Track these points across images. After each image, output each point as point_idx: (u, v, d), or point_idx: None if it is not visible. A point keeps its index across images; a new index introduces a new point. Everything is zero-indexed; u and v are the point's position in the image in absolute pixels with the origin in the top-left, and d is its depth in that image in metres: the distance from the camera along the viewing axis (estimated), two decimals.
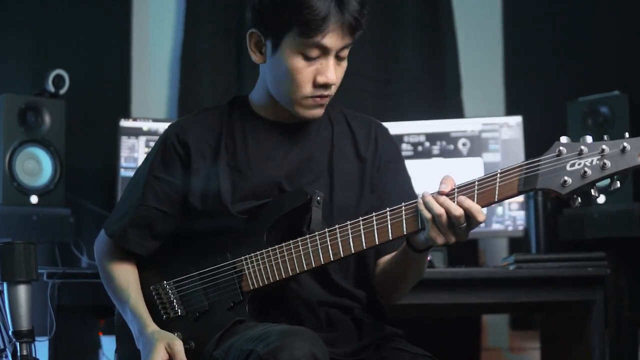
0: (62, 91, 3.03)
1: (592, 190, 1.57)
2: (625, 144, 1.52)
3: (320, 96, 1.83)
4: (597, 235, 2.91)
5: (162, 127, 3.10)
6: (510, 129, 3.04)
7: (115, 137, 3.08)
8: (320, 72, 1.80)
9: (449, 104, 3.50)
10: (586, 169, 1.54)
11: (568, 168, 1.55)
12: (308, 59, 1.80)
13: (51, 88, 3.01)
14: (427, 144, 3.06)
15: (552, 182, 1.57)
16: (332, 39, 1.78)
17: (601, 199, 2.91)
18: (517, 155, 2.98)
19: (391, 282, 1.93)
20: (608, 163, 1.53)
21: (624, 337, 2.98)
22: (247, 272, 1.82)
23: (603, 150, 1.53)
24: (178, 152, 1.92)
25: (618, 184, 1.55)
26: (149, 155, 1.99)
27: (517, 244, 3.23)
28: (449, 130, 3.07)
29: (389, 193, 1.83)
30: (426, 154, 3.05)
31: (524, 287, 2.61)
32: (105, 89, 3.44)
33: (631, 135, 1.54)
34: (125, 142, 3.08)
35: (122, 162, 3.07)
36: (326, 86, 1.82)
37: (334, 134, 1.95)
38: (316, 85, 1.82)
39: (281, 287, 1.83)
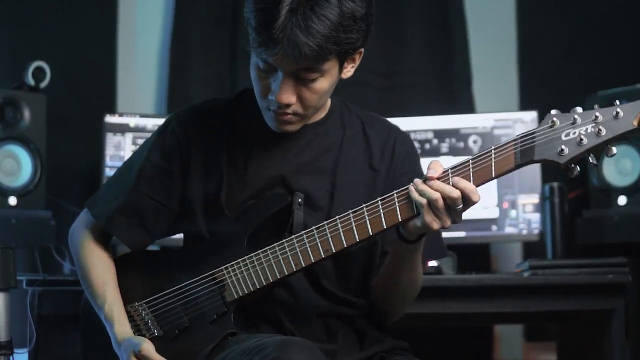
0: (43, 84, 3.03)
1: (590, 158, 1.66)
2: (618, 109, 1.63)
3: (277, 112, 1.80)
4: (618, 239, 2.91)
5: (150, 123, 3.11)
6: (524, 125, 3.04)
7: (100, 134, 3.08)
8: (271, 88, 1.78)
9: (459, 99, 3.51)
10: (582, 136, 1.64)
11: (563, 137, 1.65)
12: (260, 70, 1.78)
13: (31, 81, 3.01)
14: (435, 141, 3.06)
15: (549, 153, 1.66)
16: (278, 61, 1.72)
17: (622, 200, 2.91)
18: None
19: (386, 292, 1.93)
20: (603, 129, 1.62)
21: None
22: (228, 281, 1.82)
23: (597, 117, 1.63)
24: (179, 141, 1.92)
25: (614, 150, 1.64)
26: (147, 140, 1.99)
27: (531, 248, 3.23)
28: (458, 126, 3.08)
29: None
30: (434, 152, 3.05)
31: (539, 295, 2.62)
32: (89, 82, 3.44)
33: None
34: (111, 140, 3.09)
35: (108, 161, 3.07)
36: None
37: (344, 140, 1.94)
38: (270, 100, 1.80)
39: (268, 294, 1.84)
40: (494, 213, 3.01)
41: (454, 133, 3.07)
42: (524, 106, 3.48)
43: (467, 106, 3.49)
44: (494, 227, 3.03)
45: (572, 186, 3.02)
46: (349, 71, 1.85)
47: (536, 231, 3.01)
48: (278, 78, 1.75)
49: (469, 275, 2.63)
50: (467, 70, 3.53)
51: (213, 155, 1.91)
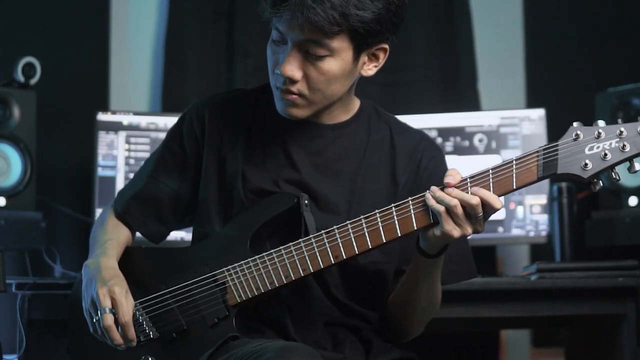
0: (33, 81, 3.02)
1: (613, 174, 1.68)
2: None
3: (281, 89, 1.82)
4: (629, 241, 2.91)
5: (144, 120, 3.11)
6: (532, 123, 3.04)
7: (92, 132, 3.08)
8: (278, 61, 1.81)
9: (464, 96, 3.51)
10: (606, 151, 1.65)
11: (587, 152, 1.67)
12: (273, 43, 1.82)
13: (21, 78, 3.01)
14: (439, 139, 3.06)
15: (573, 167, 1.67)
16: (286, 26, 1.76)
17: (633, 201, 2.91)
18: None
19: (402, 309, 1.93)
20: (627, 145, 1.64)
21: None
22: (231, 284, 1.82)
23: (621, 132, 1.65)
24: (195, 129, 1.97)
25: (637, 166, 1.65)
26: (170, 128, 2.06)
27: (539, 251, 3.23)
28: (463, 124, 3.07)
29: None
30: None
31: (547, 300, 2.61)
32: (81, 78, 3.44)
33: None
34: (103, 138, 3.08)
35: (100, 160, 3.07)
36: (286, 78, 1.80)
37: (369, 144, 1.93)
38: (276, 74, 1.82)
39: (272, 298, 1.83)
40: (500, 214, 3.00)
41: (458, 131, 3.06)
42: (531, 103, 3.48)
43: (472, 103, 3.48)
44: (500, 229, 3.02)
45: (581, 187, 3.01)
46: (370, 69, 1.87)
47: (544, 233, 3.01)
48: (286, 48, 1.79)
49: (474, 279, 2.62)
50: (473, 66, 3.52)
51: (231, 145, 1.93)
